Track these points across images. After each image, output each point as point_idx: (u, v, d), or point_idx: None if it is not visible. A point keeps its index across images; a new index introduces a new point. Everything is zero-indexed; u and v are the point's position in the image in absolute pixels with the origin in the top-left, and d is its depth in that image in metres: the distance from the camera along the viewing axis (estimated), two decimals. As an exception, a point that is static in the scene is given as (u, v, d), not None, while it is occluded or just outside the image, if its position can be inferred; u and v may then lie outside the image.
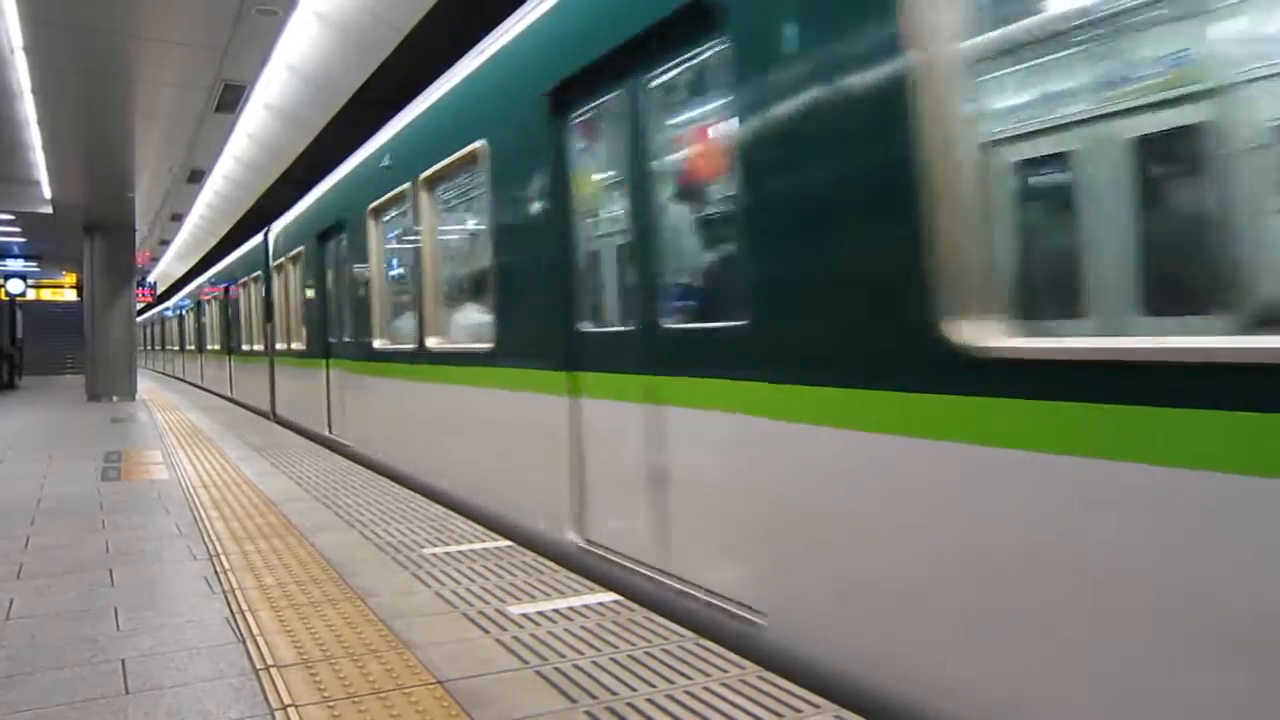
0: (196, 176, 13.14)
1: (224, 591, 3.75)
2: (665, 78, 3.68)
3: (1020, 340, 2.19)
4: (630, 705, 2.51)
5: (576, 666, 2.81)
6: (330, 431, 9.20)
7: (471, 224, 6.05)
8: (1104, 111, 2.64)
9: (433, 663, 2.86)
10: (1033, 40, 2.59)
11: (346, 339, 8.53)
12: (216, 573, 4.04)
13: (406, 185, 6.45)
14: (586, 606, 3.42)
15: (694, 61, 3.50)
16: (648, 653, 2.92)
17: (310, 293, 10.09)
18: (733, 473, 3.16)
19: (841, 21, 2.60)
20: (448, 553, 4.30)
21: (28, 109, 9.29)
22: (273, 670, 2.83)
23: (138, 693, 2.71)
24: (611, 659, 2.87)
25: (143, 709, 2.59)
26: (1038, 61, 2.67)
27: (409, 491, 6.03)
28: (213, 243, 21.85)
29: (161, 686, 2.75)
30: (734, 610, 3.17)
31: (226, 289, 16.75)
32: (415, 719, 2.47)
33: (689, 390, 3.44)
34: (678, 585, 3.51)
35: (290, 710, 2.53)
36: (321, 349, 9.41)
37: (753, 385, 3.00)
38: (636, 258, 3.82)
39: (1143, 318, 2.50)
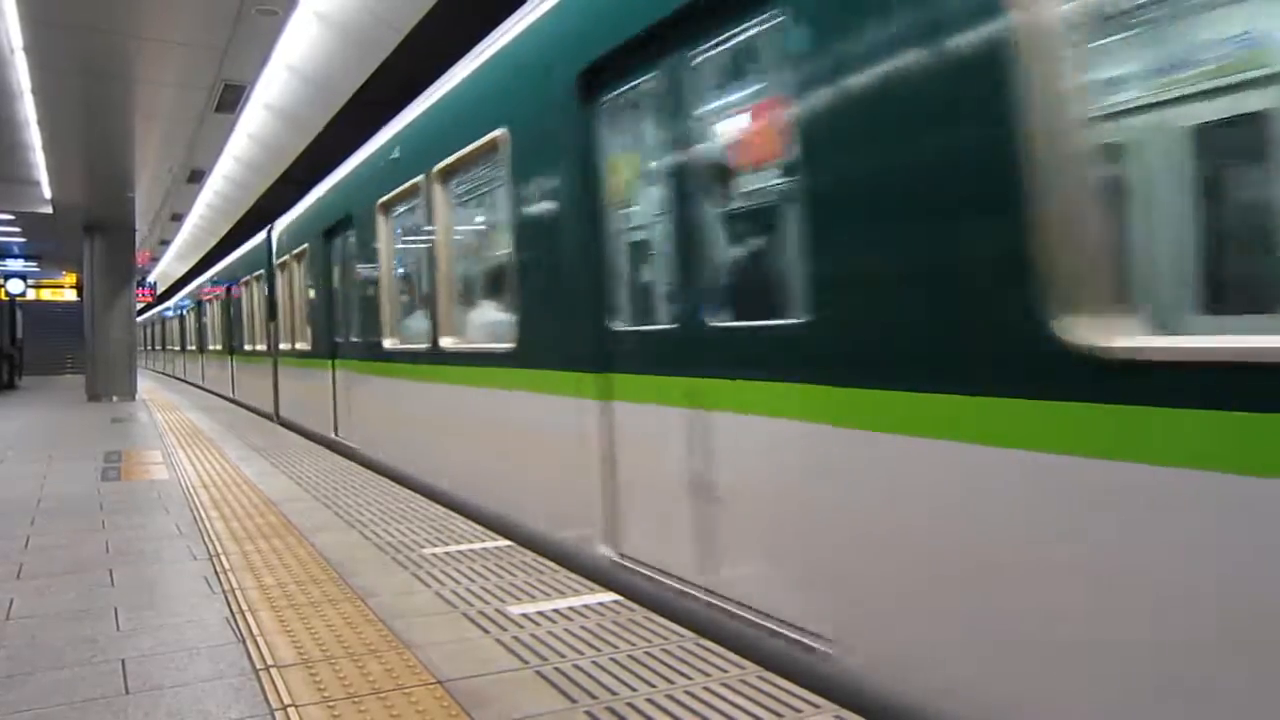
0: (196, 176, 13.14)
1: (224, 591, 3.75)
2: (712, 53, 3.38)
3: (1155, 339, 1.93)
4: (630, 705, 2.51)
5: (576, 666, 2.81)
6: (336, 434, 8.99)
7: (490, 217, 5.86)
8: (1255, 75, 2.25)
9: (433, 663, 2.86)
10: None
11: (354, 339, 8.28)
12: (216, 573, 4.04)
13: (419, 178, 6.19)
14: (586, 606, 3.42)
15: (746, 34, 3.20)
16: (648, 653, 2.92)
17: (316, 291, 9.82)
18: (792, 484, 2.88)
19: None
20: (448, 553, 4.30)
21: (28, 109, 9.29)
22: (273, 670, 2.83)
23: (138, 693, 2.71)
24: (611, 659, 2.87)
25: (143, 709, 2.59)
26: (1165, 19, 2.32)
27: (409, 491, 6.02)
28: (213, 243, 21.85)
29: (161, 686, 2.75)
30: (792, 635, 2.91)
31: (228, 288, 16.56)
32: (415, 719, 2.47)
33: (739, 394, 3.17)
34: (726, 605, 3.25)
35: (290, 710, 2.53)
36: (327, 349, 9.16)
37: (815, 389, 2.75)
38: (678, 250, 3.55)
39: None
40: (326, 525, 5.01)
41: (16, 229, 18.40)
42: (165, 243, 22.45)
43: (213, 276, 19.26)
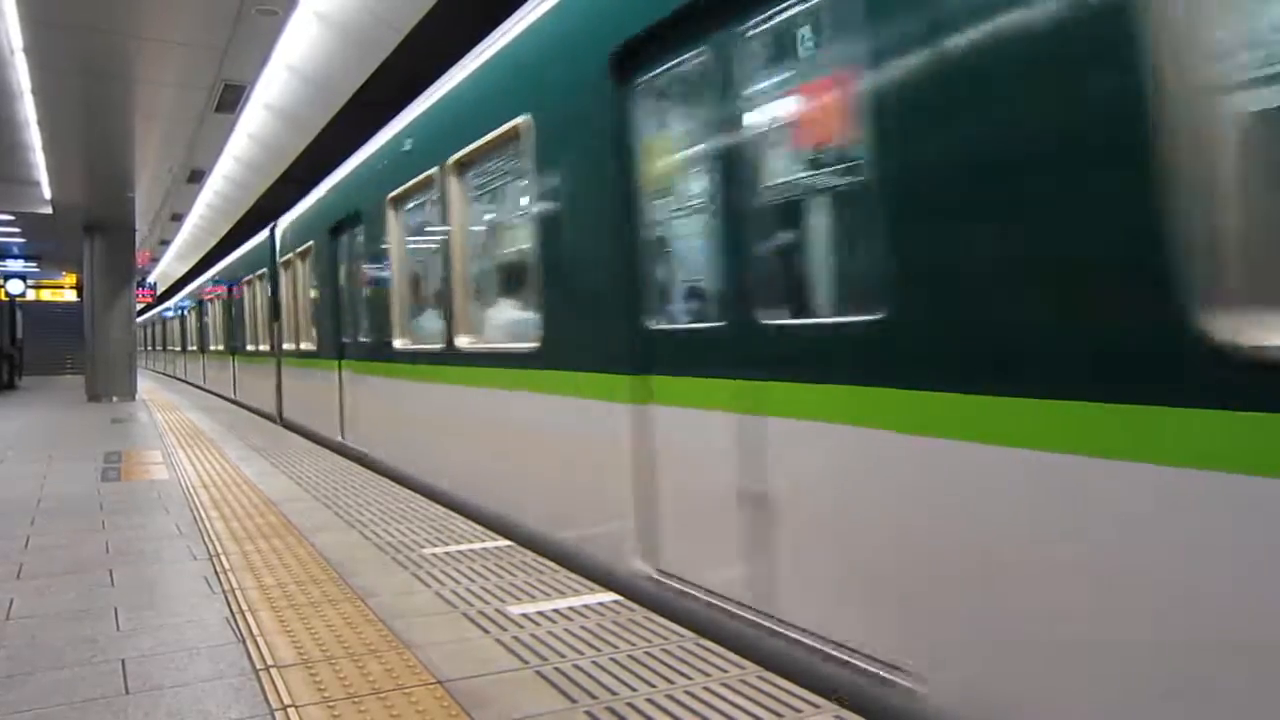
0: (196, 176, 13.14)
1: (224, 591, 3.75)
2: (767, 26, 3.09)
3: None
4: (630, 705, 2.51)
5: (576, 666, 2.81)
6: (343, 436, 8.73)
7: (510, 211, 5.60)
8: None
9: (433, 663, 2.86)
10: None
11: (363, 339, 8.01)
12: (216, 573, 4.04)
13: (433, 170, 5.93)
14: (586, 606, 3.42)
15: (807, 3, 2.95)
16: (648, 653, 2.92)
17: (322, 290, 9.53)
18: (867, 500, 2.62)
19: None
20: (448, 553, 4.30)
21: (28, 109, 9.29)
22: (273, 670, 2.83)
23: (138, 693, 2.71)
24: (611, 659, 2.87)
25: (143, 709, 2.59)
26: None
27: (409, 492, 6.02)
28: (213, 243, 21.84)
29: (161, 686, 2.75)
30: (867, 667, 2.63)
31: (230, 287, 16.35)
32: (415, 719, 2.47)
33: (799, 398, 2.88)
34: (787, 631, 2.96)
35: (290, 710, 2.52)
36: (334, 349, 8.88)
37: (893, 394, 2.49)
38: (727, 242, 3.26)
39: None
40: (326, 525, 5.01)
41: (16, 229, 18.40)
42: (165, 243, 22.45)
43: (214, 276, 19.07)
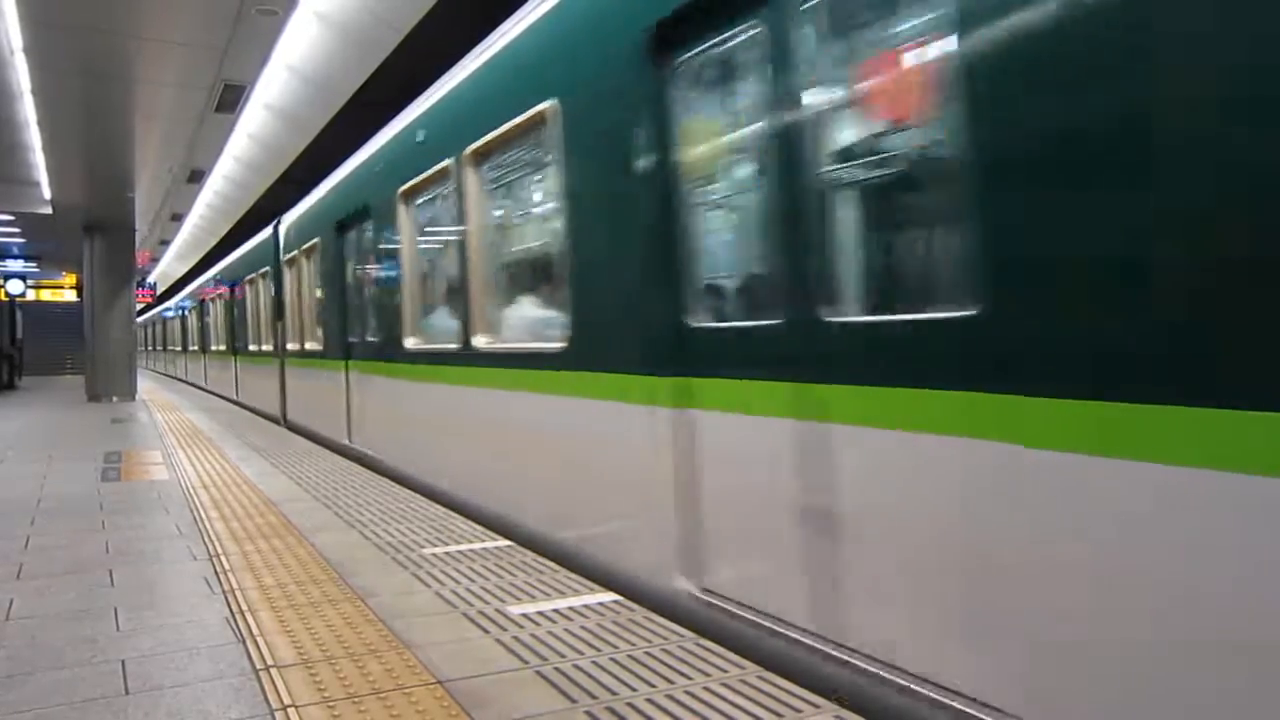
0: (196, 176, 13.15)
1: (224, 592, 3.75)
2: None
3: None
4: (630, 705, 2.51)
5: (576, 666, 2.81)
6: (350, 439, 8.45)
7: (532, 203, 5.35)
8: None
9: (433, 663, 2.86)
10: None
11: (371, 338, 7.71)
12: (216, 573, 4.04)
13: (448, 162, 5.65)
14: (586, 606, 3.42)
15: None
16: (648, 653, 2.92)
17: (328, 288, 9.23)
18: (961, 519, 2.33)
19: None
20: (448, 553, 4.30)
21: (28, 110, 9.30)
22: (273, 670, 2.83)
23: (138, 693, 2.71)
24: (611, 659, 2.87)
25: (143, 709, 2.59)
26: None
27: (409, 492, 6.02)
28: (213, 243, 21.85)
29: (161, 687, 2.75)
30: (963, 708, 2.34)
31: (232, 286, 16.10)
32: (415, 719, 2.47)
33: (875, 403, 2.58)
34: (856, 661, 2.69)
35: (290, 710, 2.53)
36: (341, 349, 8.60)
37: (997, 400, 2.20)
38: (785, 231, 2.97)
39: None
40: (326, 525, 5.01)
41: (16, 229, 18.41)
42: (165, 243, 22.46)
43: (216, 275, 18.84)
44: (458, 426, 5.73)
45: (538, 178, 5.06)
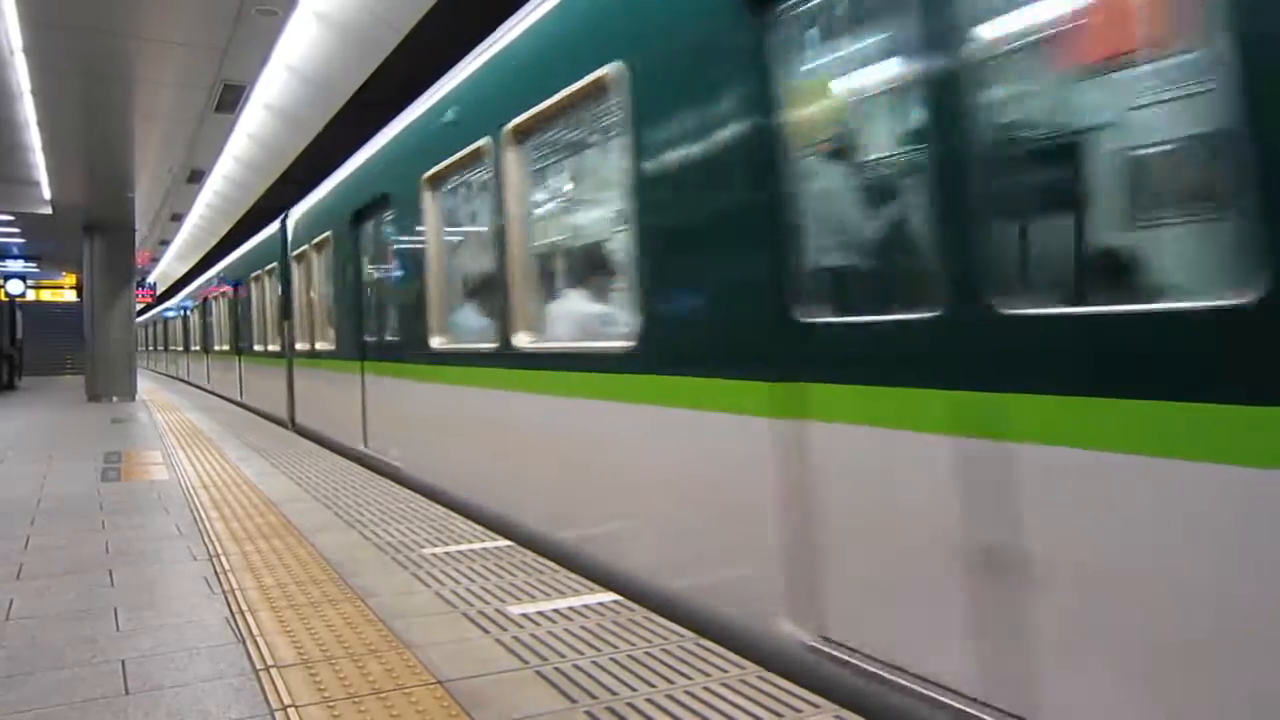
0: (196, 176, 13.15)
1: (224, 592, 3.75)
2: None
3: None
4: (630, 705, 2.51)
5: (576, 666, 2.81)
6: (366, 446, 7.87)
7: (588, 184, 4.89)
8: None
9: (433, 663, 2.86)
10: None
11: (391, 337, 7.17)
12: (216, 573, 4.04)
13: (484, 141, 5.09)
14: (586, 606, 3.42)
15: None
16: (648, 653, 2.92)
17: (342, 284, 8.67)
18: (1217, 569, 1.83)
19: None
20: (447, 553, 4.30)
21: (27, 110, 9.30)
22: (273, 670, 2.83)
23: (138, 693, 2.71)
24: (611, 659, 2.87)
25: (143, 709, 2.59)
26: None
27: (409, 492, 6.02)
28: (213, 243, 21.85)
29: (161, 687, 2.75)
30: None
31: (236, 284, 15.71)
32: (415, 719, 2.47)
33: (1089, 419, 2.04)
34: None
35: (290, 710, 2.53)
36: (355, 349, 8.06)
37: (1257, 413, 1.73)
38: (939, 204, 2.43)
39: None
40: (326, 525, 5.01)
41: (16, 229, 18.41)
42: (165, 243, 22.47)
43: (219, 272, 18.48)
44: (496, 436, 5.20)
45: (595, 155, 4.58)
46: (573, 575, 3.86)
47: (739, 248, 3.12)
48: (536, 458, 4.70)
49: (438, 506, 5.46)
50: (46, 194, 13.78)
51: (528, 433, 4.76)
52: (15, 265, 24.88)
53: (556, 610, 3.38)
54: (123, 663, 2.96)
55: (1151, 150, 2.29)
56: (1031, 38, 2.39)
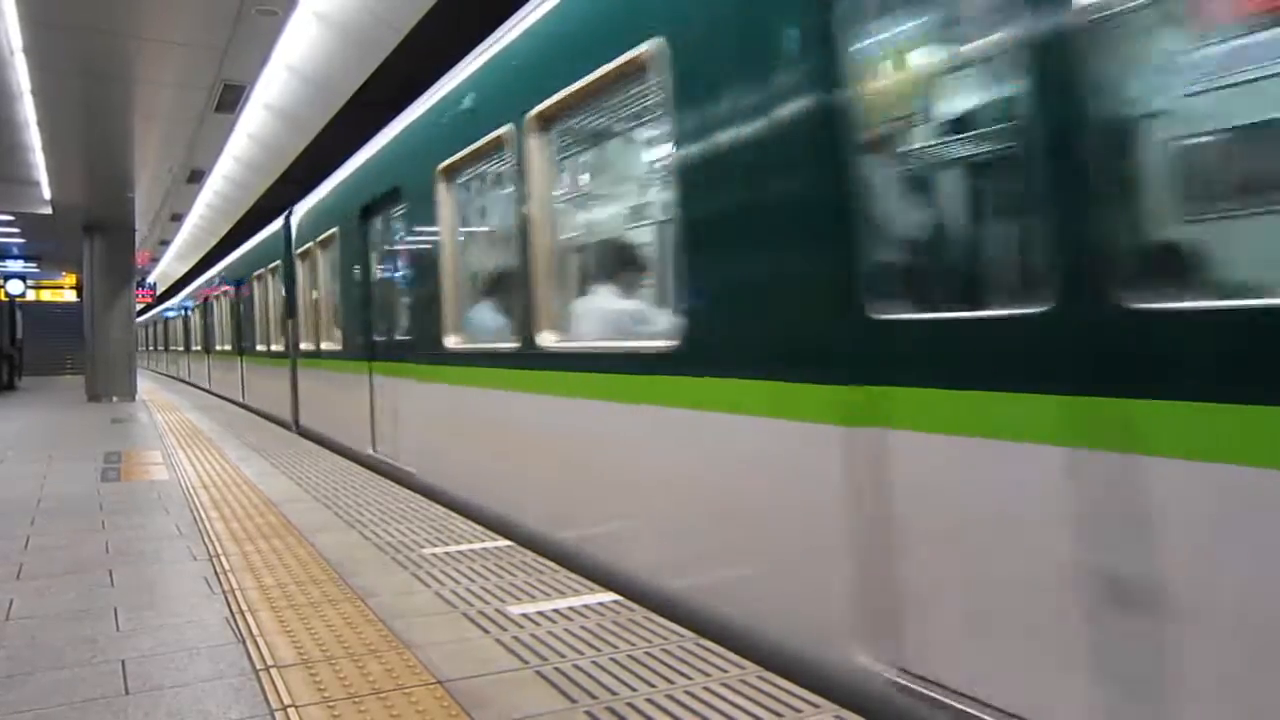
0: (196, 176, 13.16)
1: (224, 592, 3.75)
2: None
3: None
4: (630, 705, 2.51)
5: (576, 666, 2.81)
6: (375, 450, 7.60)
7: (622, 171, 4.61)
8: None
9: (433, 663, 2.86)
10: None
11: (401, 337, 6.93)
12: (216, 573, 4.04)
13: (505, 129, 4.81)
14: (586, 606, 3.42)
15: None
16: (648, 653, 2.92)
17: (349, 282, 8.38)
18: None
19: None
20: (447, 553, 4.30)
21: (27, 110, 9.31)
22: (273, 670, 2.83)
23: (138, 693, 2.71)
24: (611, 659, 2.87)
25: (143, 709, 2.59)
26: None
27: (408, 492, 6.02)
28: (213, 243, 21.86)
29: (161, 687, 2.75)
30: None
31: (238, 283, 15.46)
32: (415, 719, 2.47)
33: (1244, 432, 1.76)
34: None
35: (290, 710, 2.53)
36: (364, 349, 7.80)
37: None
38: (1058, 178, 2.11)
39: None
40: (326, 525, 5.01)
41: (16, 229, 18.42)
42: (165, 243, 22.48)
43: (220, 271, 18.26)
44: (520, 441, 4.90)
45: (628, 141, 4.31)
46: (573, 575, 3.86)
47: (804, 238, 2.84)
48: (565, 465, 4.43)
49: (438, 506, 5.45)
50: (46, 194, 13.79)
51: (554, 437, 4.51)
52: (15, 265, 24.88)
53: (556, 610, 3.38)
54: (123, 663, 2.96)
55: None
56: None
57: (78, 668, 2.93)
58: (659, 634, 3.10)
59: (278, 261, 11.74)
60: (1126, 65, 2.11)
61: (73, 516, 5.48)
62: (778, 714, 2.43)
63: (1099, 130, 2.06)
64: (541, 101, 4.42)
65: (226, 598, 3.66)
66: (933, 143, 2.71)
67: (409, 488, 6.25)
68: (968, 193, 2.65)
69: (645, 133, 3.96)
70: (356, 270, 8.12)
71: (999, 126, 2.46)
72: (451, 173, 5.80)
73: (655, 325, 3.79)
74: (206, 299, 20.18)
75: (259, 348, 13.63)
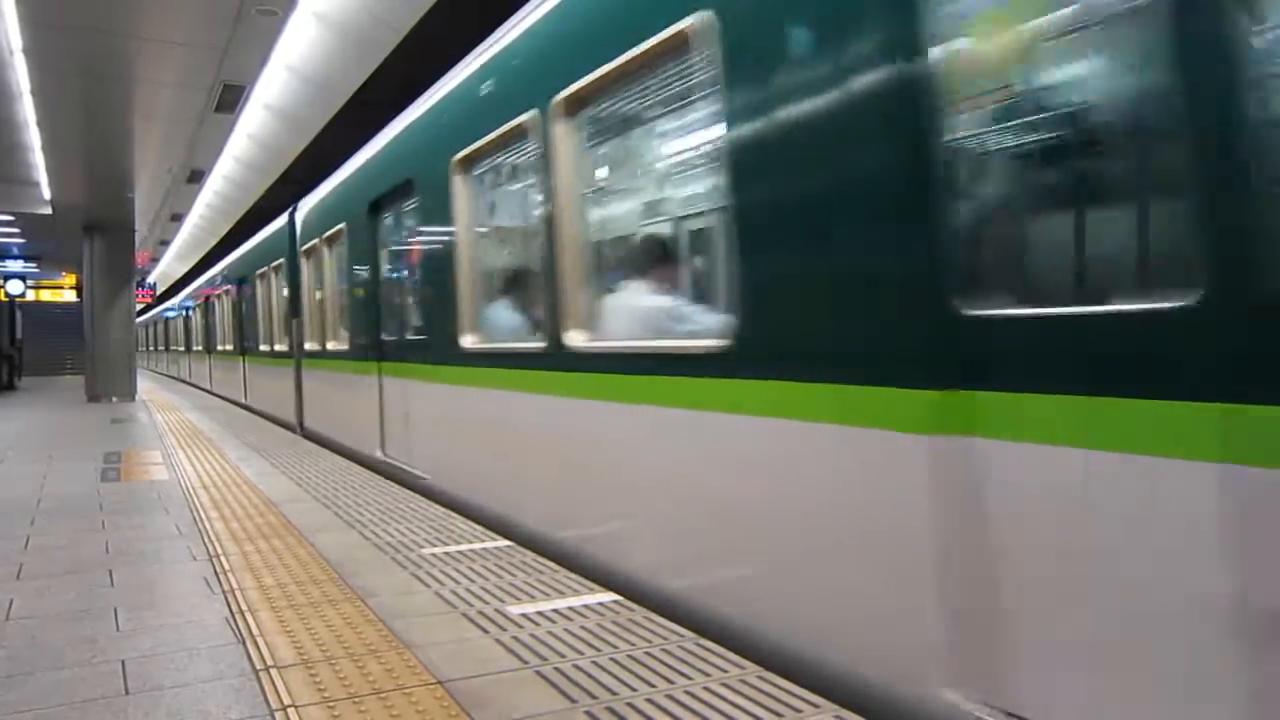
0: (196, 176, 13.16)
1: (224, 592, 3.75)
2: None
3: None
4: (630, 705, 2.51)
5: (576, 666, 2.81)
6: (384, 453, 7.34)
7: (657, 156, 4.38)
8: None
9: (433, 663, 2.86)
10: None
11: (413, 336, 6.67)
12: (216, 573, 4.04)
13: (528, 115, 4.52)
14: (586, 606, 3.42)
15: None
16: (648, 653, 2.92)
17: (357, 280, 8.11)
18: None
19: None
20: (447, 553, 4.30)
21: (27, 110, 9.30)
22: (273, 671, 2.83)
23: (138, 693, 2.71)
24: (611, 659, 2.87)
25: (143, 709, 2.59)
26: None
27: (408, 492, 6.02)
28: (213, 243, 21.84)
29: (161, 687, 2.75)
30: None
31: (240, 282, 15.27)
32: (415, 719, 2.47)
33: None
34: None
35: (290, 711, 2.53)
36: (372, 349, 7.57)
37: None
38: (1197, 152, 1.85)
39: None
40: (326, 525, 5.01)
41: (16, 230, 18.42)
42: (165, 243, 22.48)
43: (222, 270, 18.02)
44: (547, 447, 4.64)
45: (666, 125, 4.10)
46: (573, 575, 3.86)
47: (879, 227, 2.56)
48: (600, 474, 4.13)
49: (437, 506, 5.45)
50: (46, 194, 13.79)
51: (585, 444, 4.24)
52: (15, 265, 24.89)
53: (556, 610, 3.38)
54: (123, 663, 2.96)
55: None
56: None
57: (78, 668, 2.93)
58: (659, 634, 3.10)
59: (282, 259, 11.46)
60: None
61: (73, 516, 5.48)
62: (778, 714, 2.43)
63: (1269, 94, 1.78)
64: (569, 85, 4.16)
65: (226, 598, 3.66)
66: (1032, 119, 2.37)
67: (419, 492, 6.06)
68: (1075, 177, 2.34)
69: (687, 115, 3.69)
70: (365, 268, 7.84)
71: (1106, 101, 2.19)
72: (468, 163, 5.53)
73: (696, 324, 3.58)
74: (208, 298, 19.98)
75: (262, 348, 13.44)
